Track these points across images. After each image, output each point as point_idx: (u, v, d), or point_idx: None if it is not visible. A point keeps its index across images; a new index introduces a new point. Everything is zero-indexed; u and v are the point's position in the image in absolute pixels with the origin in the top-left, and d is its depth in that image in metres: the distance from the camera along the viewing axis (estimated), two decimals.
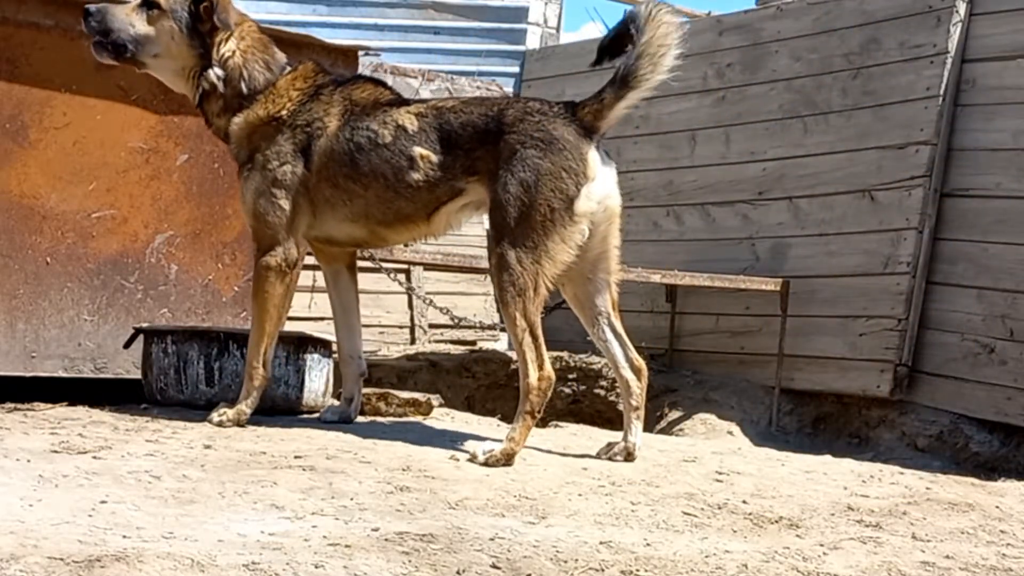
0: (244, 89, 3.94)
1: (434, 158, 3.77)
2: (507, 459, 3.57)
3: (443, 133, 3.79)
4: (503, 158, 3.68)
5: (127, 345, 4.47)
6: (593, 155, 3.68)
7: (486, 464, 3.54)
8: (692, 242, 7.82)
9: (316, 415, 4.34)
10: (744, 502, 3.30)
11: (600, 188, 3.69)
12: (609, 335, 3.97)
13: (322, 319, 7.56)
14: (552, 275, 3.69)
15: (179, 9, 3.90)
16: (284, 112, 3.91)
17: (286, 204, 3.88)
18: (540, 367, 3.65)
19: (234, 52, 3.95)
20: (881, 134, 6.94)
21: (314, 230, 3.96)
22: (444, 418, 4.69)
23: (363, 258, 6.81)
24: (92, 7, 3.88)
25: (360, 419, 4.40)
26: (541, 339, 3.69)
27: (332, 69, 4.25)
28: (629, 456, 3.86)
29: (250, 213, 3.94)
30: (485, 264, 7.56)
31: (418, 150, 3.78)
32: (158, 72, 4.02)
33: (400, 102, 3.94)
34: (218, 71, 3.94)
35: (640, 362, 3.97)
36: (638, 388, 3.92)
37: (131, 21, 3.89)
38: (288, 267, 3.92)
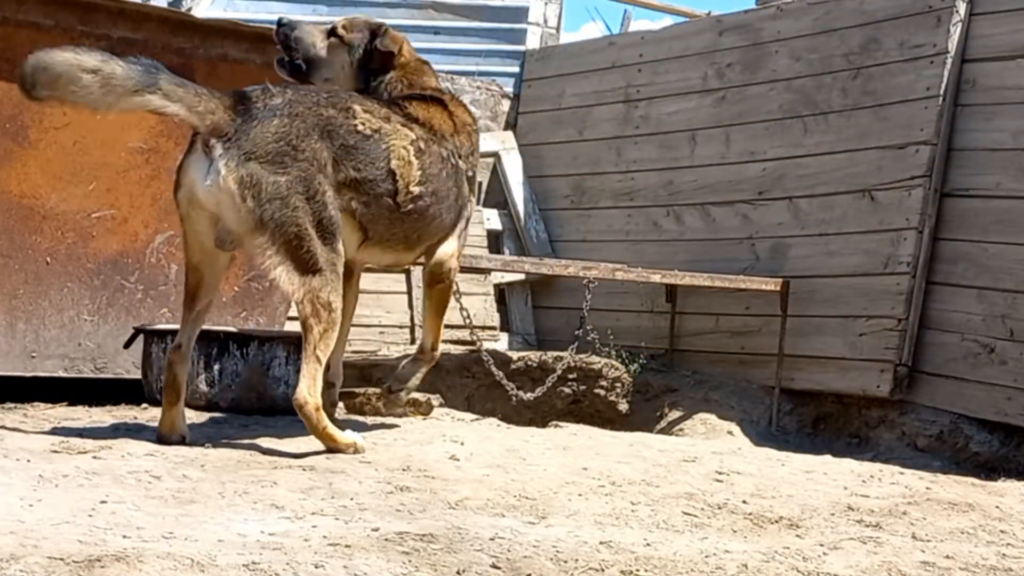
0: None
1: None
2: None
3: None
4: None
5: (127, 345, 4.47)
6: (187, 160, 3.52)
7: None
8: (692, 242, 7.82)
9: None
10: (744, 502, 3.30)
11: (183, 192, 3.54)
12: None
13: None
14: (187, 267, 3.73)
15: (357, 45, 4.00)
16: None
17: None
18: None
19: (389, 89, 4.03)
20: (881, 134, 6.94)
21: None
22: (444, 418, 4.69)
23: None
24: (286, 19, 4.05)
25: (360, 419, 4.41)
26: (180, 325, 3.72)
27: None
28: None
29: None
30: (486, 264, 7.61)
31: None
32: None
33: None
34: None
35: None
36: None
37: (314, 42, 3.99)
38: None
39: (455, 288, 4.29)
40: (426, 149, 3.84)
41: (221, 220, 3.51)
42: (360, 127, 3.67)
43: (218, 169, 3.42)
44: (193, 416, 4.11)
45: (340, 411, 4.58)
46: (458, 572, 2.41)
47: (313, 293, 3.49)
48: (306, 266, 3.48)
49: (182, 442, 3.59)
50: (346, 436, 3.59)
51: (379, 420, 4.44)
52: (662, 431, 6.87)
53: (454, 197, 3.96)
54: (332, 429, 3.57)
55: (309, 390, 3.46)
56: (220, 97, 3.47)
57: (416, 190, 3.78)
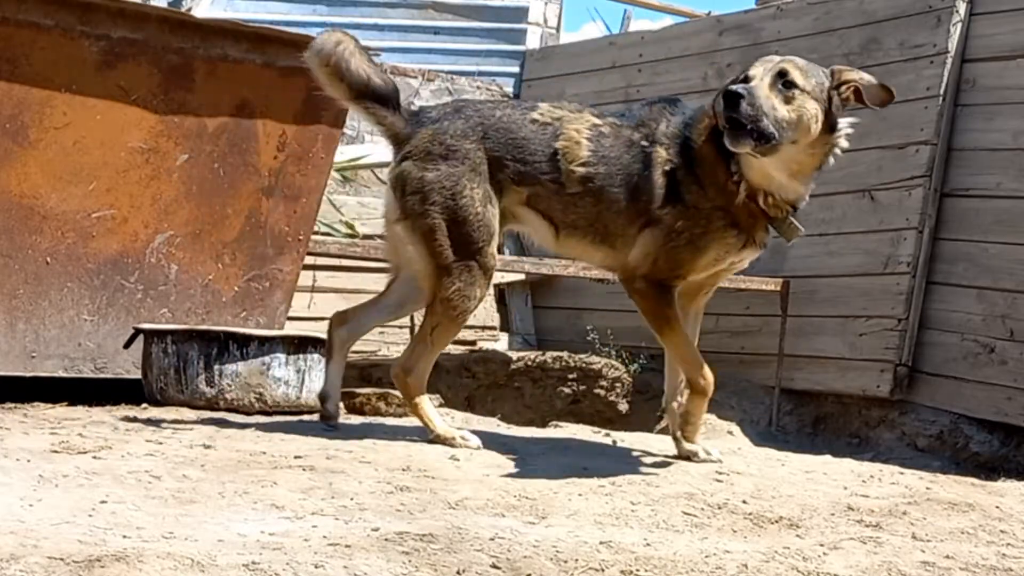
0: None
1: None
2: None
3: None
4: None
5: (127, 345, 4.47)
6: None
7: None
8: None
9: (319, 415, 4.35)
10: (744, 502, 3.30)
11: None
12: None
13: (322, 319, 7.55)
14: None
15: (817, 90, 3.49)
16: None
17: None
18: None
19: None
20: (881, 134, 6.94)
21: None
22: (444, 418, 4.68)
23: (365, 258, 6.81)
24: (740, 88, 3.40)
25: (360, 419, 4.41)
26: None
27: None
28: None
29: None
30: None
31: None
32: (779, 160, 3.51)
33: None
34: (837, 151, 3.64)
35: None
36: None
37: (773, 104, 3.42)
38: None
39: (653, 303, 3.68)
40: (610, 134, 3.71)
41: None
42: (536, 119, 3.74)
43: (389, 172, 3.80)
44: (193, 416, 4.11)
45: (340, 411, 4.58)
46: (458, 572, 2.41)
47: (443, 288, 3.65)
48: (438, 260, 3.65)
49: (324, 402, 4.01)
50: (446, 427, 3.80)
51: (379, 420, 4.43)
52: (662, 431, 6.86)
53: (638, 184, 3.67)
54: (428, 409, 3.80)
55: (405, 360, 3.75)
56: (403, 111, 3.78)
57: (579, 171, 3.67)
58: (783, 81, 3.46)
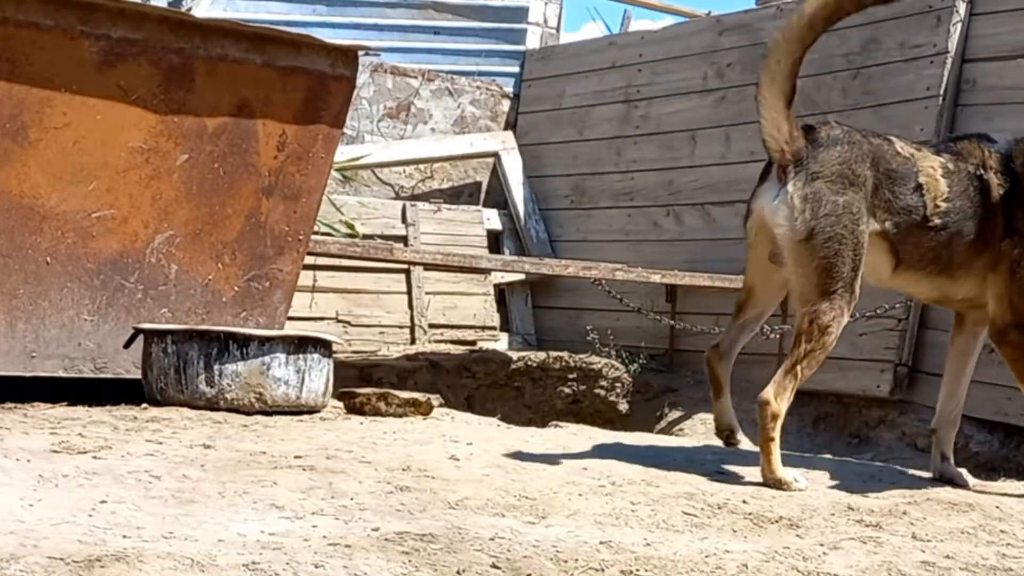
0: None
1: None
2: None
3: None
4: None
5: (127, 345, 4.47)
6: (760, 188, 3.81)
7: None
8: (692, 242, 7.82)
9: (319, 415, 4.35)
10: (744, 502, 3.30)
11: (753, 218, 3.89)
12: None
13: (322, 319, 7.57)
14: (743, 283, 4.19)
15: None
16: None
17: None
18: None
19: None
20: None
21: None
22: (444, 418, 4.69)
23: (365, 258, 6.82)
24: None
25: (360, 419, 4.41)
26: None
27: None
28: None
29: None
30: (486, 264, 7.62)
31: None
32: None
33: None
34: None
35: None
36: None
37: None
38: None
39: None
40: (954, 169, 3.84)
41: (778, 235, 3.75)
42: (899, 151, 3.81)
43: (787, 189, 3.69)
44: (193, 416, 4.11)
45: (340, 411, 4.59)
46: (458, 572, 2.41)
47: (816, 313, 3.63)
48: (823, 285, 3.64)
49: (730, 435, 4.01)
50: (786, 471, 3.64)
51: (379, 420, 4.43)
52: (662, 431, 6.87)
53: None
54: (775, 449, 3.63)
55: (776, 395, 3.63)
56: (799, 128, 3.73)
57: (943, 205, 3.78)
58: None
